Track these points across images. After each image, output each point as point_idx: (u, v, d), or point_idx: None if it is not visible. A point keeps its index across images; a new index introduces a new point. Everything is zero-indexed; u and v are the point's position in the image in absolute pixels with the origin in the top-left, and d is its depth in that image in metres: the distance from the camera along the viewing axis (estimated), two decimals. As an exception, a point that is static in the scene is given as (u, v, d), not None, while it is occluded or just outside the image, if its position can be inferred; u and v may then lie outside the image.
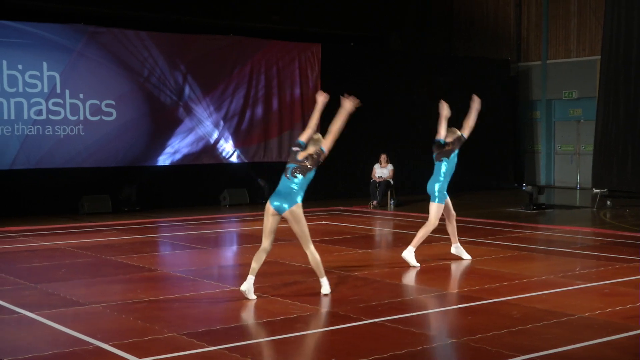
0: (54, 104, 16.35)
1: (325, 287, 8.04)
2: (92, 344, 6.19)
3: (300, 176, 7.95)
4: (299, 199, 7.98)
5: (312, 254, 8.00)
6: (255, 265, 7.92)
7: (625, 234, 12.81)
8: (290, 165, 8.02)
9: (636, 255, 10.46)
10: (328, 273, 9.24)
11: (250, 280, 7.85)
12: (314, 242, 12.09)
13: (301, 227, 7.92)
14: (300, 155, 8.07)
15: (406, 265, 9.87)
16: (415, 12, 25.66)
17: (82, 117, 16.64)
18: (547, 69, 24.19)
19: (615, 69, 19.12)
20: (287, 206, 7.85)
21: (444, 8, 26.27)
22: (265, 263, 10.05)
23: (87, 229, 14.02)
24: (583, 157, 23.45)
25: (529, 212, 16.48)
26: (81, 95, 16.64)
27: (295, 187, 7.92)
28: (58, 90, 16.37)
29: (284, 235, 12.91)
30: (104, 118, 16.93)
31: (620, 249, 11.17)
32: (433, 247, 11.40)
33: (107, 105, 16.95)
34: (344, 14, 23.30)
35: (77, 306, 7.59)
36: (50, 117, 16.30)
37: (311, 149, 8.08)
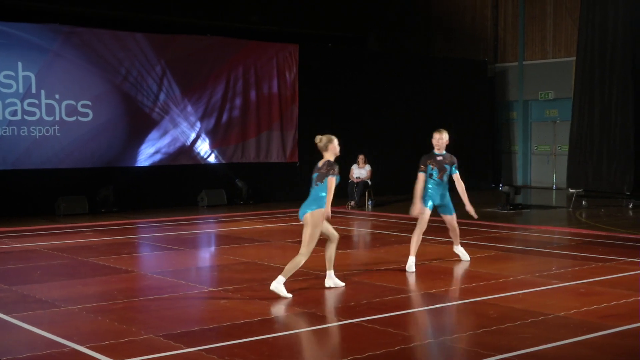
0: (29, 104, 16.21)
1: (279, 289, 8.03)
2: (68, 346, 6.14)
3: (319, 183, 8.10)
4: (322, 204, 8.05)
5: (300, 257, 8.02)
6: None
7: (600, 234, 12.93)
8: (314, 175, 8.24)
9: (611, 255, 10.56)
10: (305, 274, 9.26)
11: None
12: (291, 242, 12.13)
13: (309, 231, 7.98)
14: (320, 163, 8.30)
15: (382, 266, 9.90)
16: (393, 13, 25.73)
17: (57, 118, 16.52)
18: (523, 70, 24.37)
19: (590, 69, 19.28)
20: (307, 210, 8.06)
21: (422, 9, 26.37)
22: (242, 264, 10.07)
23: (64, 230, 13.92)
24: (559, 157, 23.63)
25: (505, 212, 16.58)
26: (57, 96, 16.51)
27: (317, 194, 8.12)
28: (33, 91, 16.23)
29: (262, 237, 12.90)
30: (80, 119, 16.81)
31: (595, 248, 11.26)
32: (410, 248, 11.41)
33: (83, 106, 16.83)
34: (322, 15, 23.32)
35: (53, 308, 7.53)
36: (26, 117, 16.16)
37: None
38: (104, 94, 17.09)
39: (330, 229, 8.37)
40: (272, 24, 22.08)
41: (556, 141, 24.03)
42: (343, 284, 8.51)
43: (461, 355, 6.06)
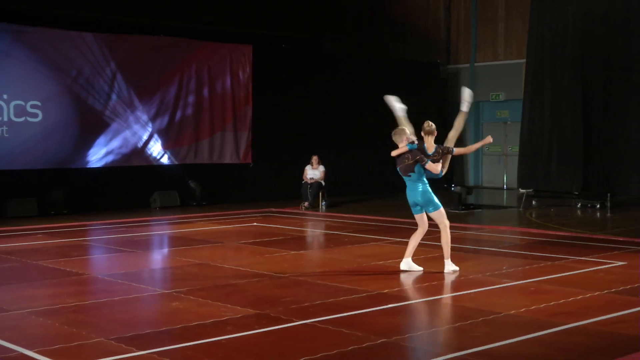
0: (-23, 104, 15.89)
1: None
2: (16, 351, 6.03)
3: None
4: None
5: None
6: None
7: (550, 233, 13.14)
8: None
9: (560, 254, 10.74)
10: (259, 275, 9.23)
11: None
12: (245, 243, 12.09)
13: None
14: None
15: (336, 266, 9.93)
16: (347, 14, 25.80)
17: (6, 119, 16.19)
18: (475, 71, 24.64)
19: (540, 71, 19.59)
20: None
21: (376, 11, 26.49)
22: (195, 265, 10.01)
23: (13, 233, 13.64)
24: (510, 158, 23.95)
25: (458, 212, 16.74)
26: (5, 96, 16.18)
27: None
28: (-19, 91, 15.91)
29: (215, 238, 12.84)
30: (30, 119, 16.51)
31: (545, 247, 11.44)
32: (364, 248, 11.49)
33: (32, 107, 16.53)
34: (276, 16, 23.27)
35: (1, 312, 7.38)
36: (-27, 118, 15.84)
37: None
38: (54, 94, 16.80)
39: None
40: (226, 25, 21.96)
41: (507, 142, 24.35)
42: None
43: (414, 355, 6.10)
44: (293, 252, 11.23)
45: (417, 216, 9.29)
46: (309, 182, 18.08)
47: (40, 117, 16.63)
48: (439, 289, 8.45)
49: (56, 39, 16.77)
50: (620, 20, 18.42)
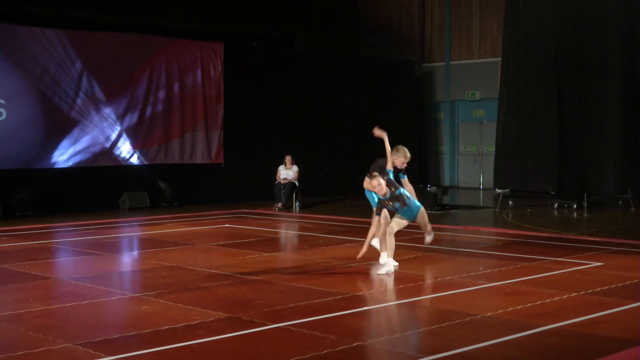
0: (-60, 103, 15.55)
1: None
2: (-23, 358, 5.84)
3: None
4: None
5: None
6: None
7: (526, 234, 13.11)
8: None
9: (537, 255, 10.70)
10: (231, 277, 9.08)
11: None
12: (216, 245, 11.92)
13: None
14: None
15: (310, 268, 9.81)
16: (319, 12, 25.72)
17: (-31, 118, 15.90)
18: (450, 70, 24.65)
19: (515, 70, 19.61)
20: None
21: (349, 9, 26.44)
22: (165, 268, 9.83)
23: (-22, 235, 13.37)
24: (486, 157, 23.99)
25: (433, 213, 16.67)
26: (-32, 95, 15.88)
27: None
28: (-57, 90, 15.57)
29: (186, 240, 12.65)
30: (-6, 118, 16.21)
31: (521, 248, 11.40)
32: (338, 249, 11.38)
33: (-4, 105, 16.24)
34: (247, 13, 23.13)
35: (-37, 318, 7.16)
36: (-64, 117, 15.50)
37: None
38: (19, 92, 16.46)
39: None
40: (196, 22, 21.76)
41: (483, 141, 24.39)
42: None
43: (389, 358, 6.01)
44: (266, 254, 11.09)
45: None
46: (282, 182, 17.93)
47: (4, 116, 16.30)
48: (415, 291, 8.34)
49: (20, 36, 16.45)
50: (595, 21, 18.49)
